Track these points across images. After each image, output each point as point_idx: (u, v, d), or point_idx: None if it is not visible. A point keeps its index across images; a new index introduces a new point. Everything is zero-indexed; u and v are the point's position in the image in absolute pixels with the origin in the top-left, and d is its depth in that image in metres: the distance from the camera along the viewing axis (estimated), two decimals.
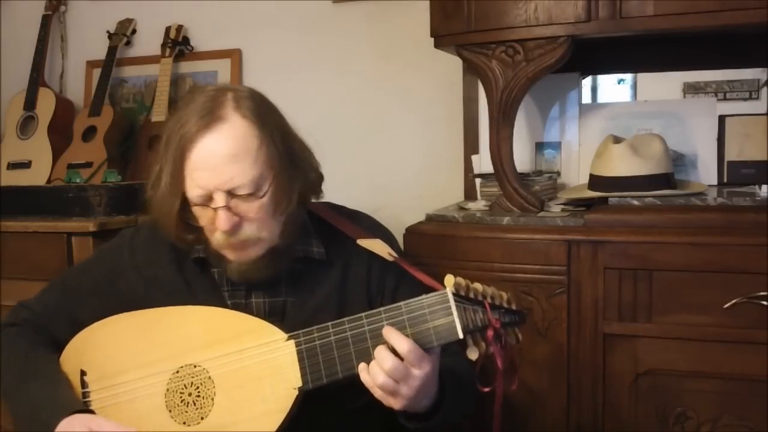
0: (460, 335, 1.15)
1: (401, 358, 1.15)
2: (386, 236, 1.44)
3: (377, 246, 1.38)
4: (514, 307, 1.21)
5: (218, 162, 1.22)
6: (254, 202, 1.24)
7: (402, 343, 1.15)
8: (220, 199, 1.23)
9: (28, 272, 2.09)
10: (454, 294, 1.17)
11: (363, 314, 1.21)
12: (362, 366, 1.18)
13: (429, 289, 1.21)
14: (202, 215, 1.28)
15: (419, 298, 1.19)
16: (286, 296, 1.37)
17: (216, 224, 1.25)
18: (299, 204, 1.32)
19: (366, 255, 1.38)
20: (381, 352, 1.16)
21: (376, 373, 1.15)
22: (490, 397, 1.22)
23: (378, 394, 1.17)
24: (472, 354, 1.16)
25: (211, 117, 1.24)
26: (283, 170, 1.27)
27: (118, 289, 1.40)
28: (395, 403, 1.17)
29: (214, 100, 1.26)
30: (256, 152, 1.24)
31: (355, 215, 1.48)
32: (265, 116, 1.28)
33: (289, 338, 1.24)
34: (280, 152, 1.27)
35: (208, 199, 1.25)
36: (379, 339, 1.18)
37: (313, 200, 1.42)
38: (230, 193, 1.23)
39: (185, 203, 1.28)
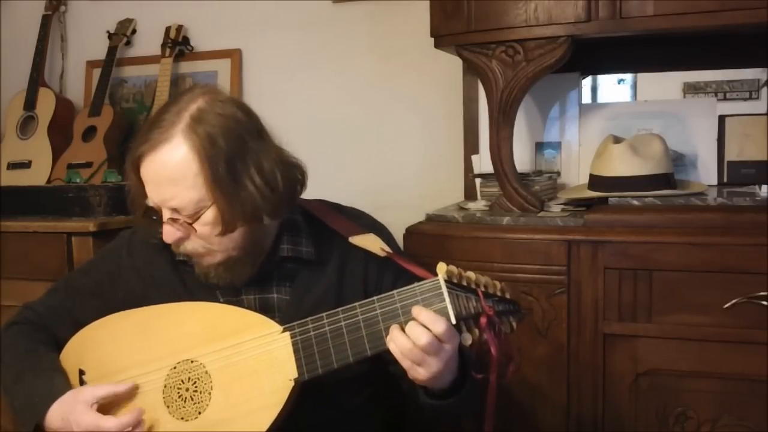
0: (453, 321, 1.17)
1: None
2: (383, 234, 1.44)
3: (370, 241, 1.38)
4: (507, 296, 1.22)
5: (160, 181, 1.26)
6: (194, 223, 1.27)
7: (439, 324, 1.16)
8: (165, 214, 1.28)
9: (28, 272, 2.09)
10: (446, 281, 1.18)
11: (357, 304, 1.22)
12: (390, 342, 1.18)
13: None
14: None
15: (412, 286, 1.21)
16: (277, 293, 1.37)
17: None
18: (258, 220, 1.30)
19: (363, 253, 1.39)
20: (415, 329, 1.16)
21: (409, 349, 1.16)
22: (487, 389, 1.23)
23: (407, 365, 1.18)
24: (466, 340, 1.18)
25: (159, 137, 1.25)
26: (227, 194, 1.25)
27: (118, 290, 1.42)
28: (424, 373, 1.18)
29: (175, 115, 1.26)
30: (194, 177, 1.24)
31: (352, 213, 1.48)
32: (219, 138, 1.24)
33: (285, 330, 1.24)
34: (223, 177, 1.24)
35: (160, 210, 1.29)
36: (372, 328, 1.20)
37: (306, 199, 1.42)
38: (174, 210, 1.27)
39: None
